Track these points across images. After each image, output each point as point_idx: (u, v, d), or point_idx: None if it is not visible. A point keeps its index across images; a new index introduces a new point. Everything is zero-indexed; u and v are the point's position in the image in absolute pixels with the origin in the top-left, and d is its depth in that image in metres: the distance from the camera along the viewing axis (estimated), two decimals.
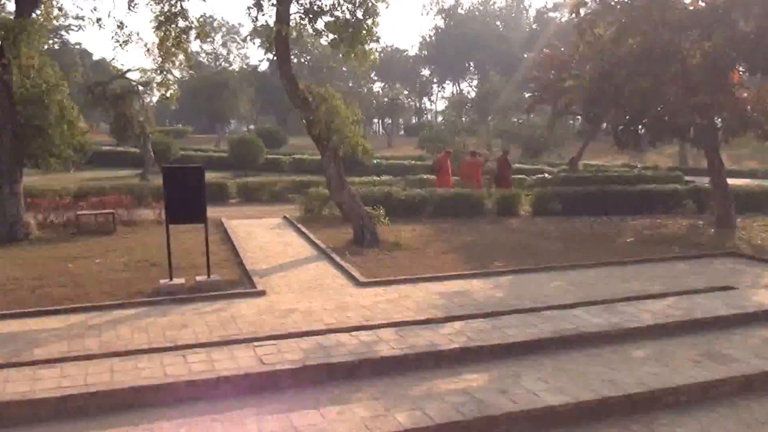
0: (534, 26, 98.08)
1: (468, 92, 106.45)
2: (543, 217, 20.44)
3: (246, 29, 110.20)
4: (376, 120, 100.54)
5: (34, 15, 16.70)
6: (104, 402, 6.31)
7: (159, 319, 9.18)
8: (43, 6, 17.17)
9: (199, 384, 6.63)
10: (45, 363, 7.15)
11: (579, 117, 35.27)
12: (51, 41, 20.07)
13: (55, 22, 18.37)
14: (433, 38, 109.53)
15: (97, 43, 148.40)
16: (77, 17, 50.39)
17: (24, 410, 6.08)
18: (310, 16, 15.37)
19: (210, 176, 11.49)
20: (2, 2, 17.28)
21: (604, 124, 23.13)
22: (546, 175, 29.62)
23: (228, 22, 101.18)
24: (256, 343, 7.78)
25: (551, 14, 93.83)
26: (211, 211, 11.97)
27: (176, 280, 11.27)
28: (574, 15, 17.48)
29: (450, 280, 11.69)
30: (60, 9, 17.84)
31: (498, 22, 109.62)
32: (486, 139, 52.28)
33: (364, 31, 15.23)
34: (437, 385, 6.97)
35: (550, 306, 9.65)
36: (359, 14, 15.23)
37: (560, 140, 46.45)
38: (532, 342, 7.99)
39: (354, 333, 8.20)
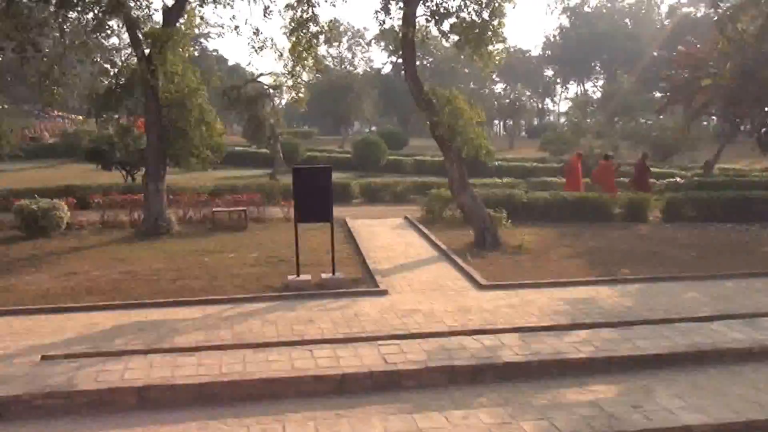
0: (666, 23, 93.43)
1: (593, 93, 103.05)
2: (675, 223, 19.44)
3: (371, 33, 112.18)
4: (497, 121, 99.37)
5: (178, 24, 17.83)
6: (237, 391, 6.65)
7: (287, 313, 9.54)
8: (186, 16, 18.31)
9: (326, 379, 6.84)
10: (184, 351, 7.61)
11: (714, 118, 33.25)
12: (192, 48, 21.43)
13: (196, 30, 19.50)
14: (558, 37, 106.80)
15: (232, 50, 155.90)
16: (217, 25, 53.20)
17: (166, 394, 6.51)
18: (436, 18, 15.45)
19: (334, 176, 11.83)
20: (151, 13, 18.53)
21: (745, 126, 21.70)
22: (678, 179, 28.13)
23: (353, 27, 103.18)
24: (379, 342, 7.92)
25: (685, 9, 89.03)
26: (335, 211, 12.30)
27: (303, 277, 11.66)
28: (712, 10, 16.53)
29: (575, 287, 11.38)
30: (202, 18, 18.95)
31: (627, 20, 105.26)
32: (613, 141, 50.42)
33: (490, 32, 15.12)
34: (563, 395, 6.81)
35: (684, 318, 9.17)
36: (485, 15, 15.13)
37: (693, 143, 43.93)
38: (666, 356, 7.62)
39: (476, 336, 8.17)
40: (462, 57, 18.50)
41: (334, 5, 64.38)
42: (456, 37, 15.63)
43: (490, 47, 15.37)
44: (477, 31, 15.02)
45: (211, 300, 10.58)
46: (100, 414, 6.27)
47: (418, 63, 16.41)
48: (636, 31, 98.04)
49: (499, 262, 13.60)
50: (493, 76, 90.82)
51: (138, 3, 17.54)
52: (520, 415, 6.00)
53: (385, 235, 17.24)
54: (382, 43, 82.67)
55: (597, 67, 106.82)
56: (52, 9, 16.66)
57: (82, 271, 13.00)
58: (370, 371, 6.98)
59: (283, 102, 51.71)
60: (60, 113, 52.81)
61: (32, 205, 17.12)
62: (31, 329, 8.81)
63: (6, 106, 30.28)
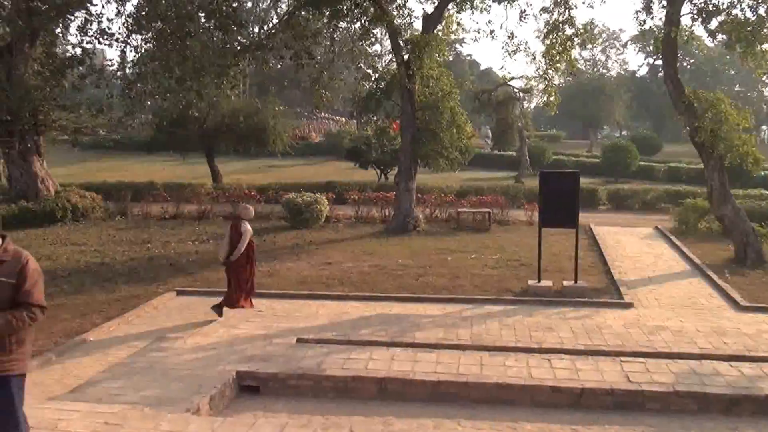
0: None
1: None
2: None
3: (626, 35, 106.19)
4: (765, 127, 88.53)
5: (436, 31, 18.46)
6: (472, 393, 6.68)
7: (525, 318, 9.39)
8: (444, 22, 18.88)
9: (563, 391, 6.61)
10: (424, 347, 7.83)
11: None
12: (447, 53, 22.17)
13: (452, 36, 20.03)
14: None
15: (485, 54, 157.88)
16: (472, 31, 54.22)
17: (404, 388, 6.75)
18: (703, 16, 14.23)
19: (580, 181, 11.49)
20: (411, 21, 19.37)
21: None
22: None
23: (608, 28, 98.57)
24: (622, 358, 7.46)
25: None
26: (580, 217, 11.87)
27: (544, 282, 11.42)
28: None
29: None
30: (458, 24, 19.43)
31: None
32: None
33: (766, 30, 13.57)
34: None
35: None
36: (761, 11, 13.59)
37: None
38: None
39: (733, 363, 7.35)
40: (728, 57, 16.80)
41: (591, 6, 62.16)
42: (724, 36, 14.28)
43: (765, 46, 13.81)
44: (750, 29, 13.56)
45: (452, 299, 10.80)
46: (342, 399, 6.68)
47: (678, 64, 15.25)
48: None
49: (762, 282, 12.19)
50: (764, 78, 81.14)
51: (400, 11, 18.49)
52: None
53: (632, 244, 16.28)
54: (639, 45, 77.79)
55: None
56: (325, 20, 18.19)
57: (335, 262, 14.02)
58: (611, 388, 6.61)
59: (533, 105, 51.04)
60: (326, 115, 57.45)
61: (297, 198, 18.87)
62: (290, 313, 9.69)
63: (282, 108, 33.58)
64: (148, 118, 29.95)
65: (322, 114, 55.89)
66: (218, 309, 9.74)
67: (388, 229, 18.35)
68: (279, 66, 37.50)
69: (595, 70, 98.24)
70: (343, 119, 58.17)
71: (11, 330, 4.11)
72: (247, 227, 9.77)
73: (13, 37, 19.86)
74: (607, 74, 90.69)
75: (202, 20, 17.99)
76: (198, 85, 18.38)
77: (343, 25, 19.11)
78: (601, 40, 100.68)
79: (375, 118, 21.46)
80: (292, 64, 19.39)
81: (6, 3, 19.74)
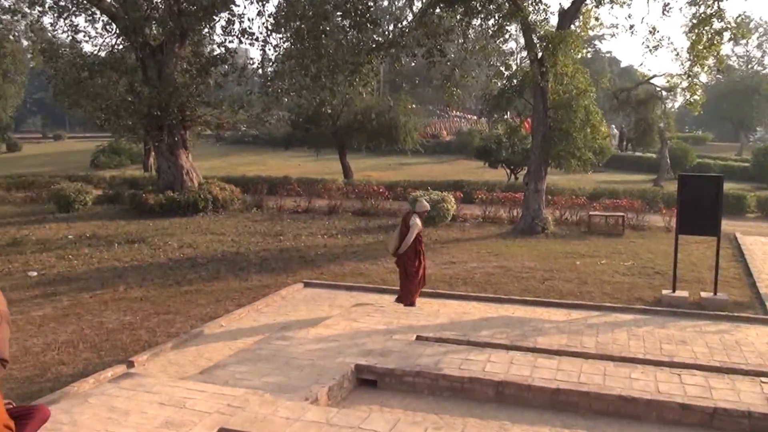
0: None
1: None
2: None
3: None
4: None
5: (572, 26, 17.88)
6: (593, 403, 6.41)
7: (657, 330, 8.89)
8: (581, 17, 18.25)
9: (694, 410, 6.19)
10: (544, 352, 7.61)
11: None
12: (585, 50, 21.42)
13: (590, 32, 19.34)
14: None
15: (626, 51, 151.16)
16: (612, 26, 51.94)
17: (522, 393, 6.59)
18: None
19: (727, 187, 10.68)
20: (547, 17, 18.86)
21: None
22: None
23: (766, 22, 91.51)
24: (763, 379, 6.89)
25: None
26: (724, 225, 11.08)
27: (679, 293, 10.79)
28: None
29: None
30: (597, 19, 18.68)
31: None
32: None
33: None
34: None
35: None
36: None
37: None
38: None
39: None
40: None
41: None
42: None
43: None
44: None
45: (578, 305, 10.43)
46: (458, 400, 6.62)
47: None
48: None
49: None
50: None
51: (535, 7, 18.06)
52: None
53: None
54: None
55: None
56: (458, 17, 18.11)
57: (460, 261, 13.94)
58: (747, 410, 6.11)
59: (676, 105, 48.30)
60: (457, 113, 57.29)
61: (425, 196, 18.91)
62: (411, 310, 9.72)
63: (413, 106, 33.84)
64: (285, 115, 31.18)
65: (454, 112, 55.77)
66: (401, 301, 9.91)
67: (515, 231, 18.02)
68: (412, 64, 37.77)
69: (749, 67, 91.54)
70: (474, 117, 57.74)
71: None
72: (416, 221, 9.79)
73: (165, 37, 21.28)
74: (763, 72, 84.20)
75: (338, 19, 18.48)
76: (332, 82, 18.91)
77: (476, 22, 18.95)
78: (756, 35, 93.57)
79: (506, 116, 21.14)
80: (424, 62, 19.47)
81: (159, 6, 21.19)
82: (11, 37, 25.31)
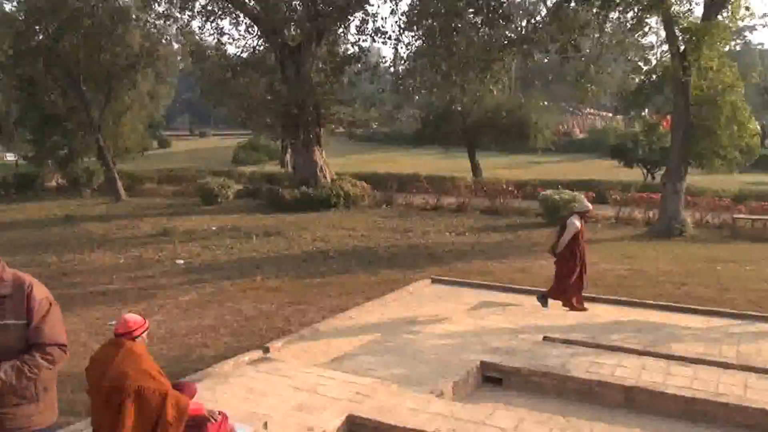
0: None
1: None
2: None
3: None
4: None
5: (719, 17, 16.86)
6: (732, 416, 6.09)
7: None
8: (730, 7, 17.15)
9: None
10: (679, 360, 7.29)
11: None
12: (733, 42, 20.05)
13: (739, 22, 18.15)
14: None
15: None
16: (764, 15, 48.19)
17: (654, 400, 6.37)
18: None
19: None
20: (691, 8, 17.89)
21: None
22: None
23: None
24: None
25: None
26: None
27: None
28: None
29: None
30: (747, 8, 17.46)
31: None
32: None
33: None
34: None
35: None
36: None
37: None
38: None
39: None
40: None
41: None
42: None
43: None
44: None
45: (718, 312, 9.87)
46: (585, 403, 6.50)
47: None
48: None
49: None
50: None
51: None
52: None
53: None
54: None
55: None
56: (594, 11, 17.57)
57: (591, 263, 13.42)
58: None
59: None
60: (591, 110, 55.50)
61: (555, 195, 18.55)
62: (537, 309, 9.61)
63: (545, 103, 33.21)
64: (415, 113, 31.56)
65: (587, 109, 54.09)
66: (543, 299, 9.80)
67: (651, 233, 17.26)
68: (545, 60, 36.99)
69: None
70: (609, 115, 55.69)
71: (27, 380, 3.39)
72: (573, 221, 9.60)
73: (302, 38, 22.16)
74: None
75: (470, 16, 18.47)
76: (462, 80, 18.94)
77: (613, 15, 18.28)
78: None
79: (643, 113, 20.27)
80: (557, 58, 19.06)
81: (298, 8, 22.09)
82: (163, 40, 27.22)
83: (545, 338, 8.00)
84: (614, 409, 6.37)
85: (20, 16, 25.68)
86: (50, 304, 3.52)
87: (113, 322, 9.13)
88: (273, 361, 7.09)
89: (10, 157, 41.27)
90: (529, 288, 11.22)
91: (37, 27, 25.15)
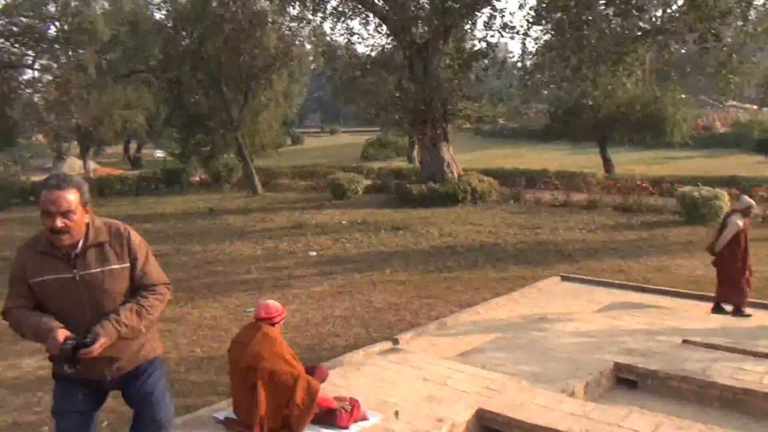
0: None
1: None
2: None
3: None
4: None
5: None
6: None
7: None
8: None
9: None
10: None
11: None
12: None
13: None
14: None
15: None
16: None
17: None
18: None
19: None
20: None
21: None
22: None
23: None
24: None
25: None
26: None
27: None
28: None
29: None
30: None
31: None
32: None
33: None
34: None
35: None
36: None
37: None
38: None
39: None
40: None
41: None
42: None
43: None
44: None
45: None
46: (729, 411, 6.18)
47: None
48: None
49: None
50: None
51: None
52: None
53: None
54: None
55: None
56: None
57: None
58: None
59: None
60: (733, 102, 52.05)
61: (694, 192, 17.60)
62: (676, 311, 9.21)
63: (683, 96, 31.53)
64: (544, 107, 30.94)
65: (729, 102, 50.71)
66: (718, 308, 9.35)
67: None
68: (682, 51, 35.09)
69: None
70: (754, 107, 51.97)
71: (145, 320, 3.58)
72: (734, 219, 9.16)
73: (430, 35, 22.29)
74: None
75: (601, 7, 17.87)
76: (594, 73, 18.37)
77: (759, 1, 17.09)
78: None
79: None
80: (696, 49, 18.05)
81: (425, 5, 22.26)
82: (297, 42, 28.27)
83: (684, 341, 7.66)
84: (762, 420, 6.02)
85: (168, 23, 27.64)
86: (146, 245, 3.68)
87: (250, 310, 9.70)
88: (403, 352, 7.25)
89: (159, 153, 44.31)
90: (666, 288, 10.78)
91: (183, 33, 26.97)
